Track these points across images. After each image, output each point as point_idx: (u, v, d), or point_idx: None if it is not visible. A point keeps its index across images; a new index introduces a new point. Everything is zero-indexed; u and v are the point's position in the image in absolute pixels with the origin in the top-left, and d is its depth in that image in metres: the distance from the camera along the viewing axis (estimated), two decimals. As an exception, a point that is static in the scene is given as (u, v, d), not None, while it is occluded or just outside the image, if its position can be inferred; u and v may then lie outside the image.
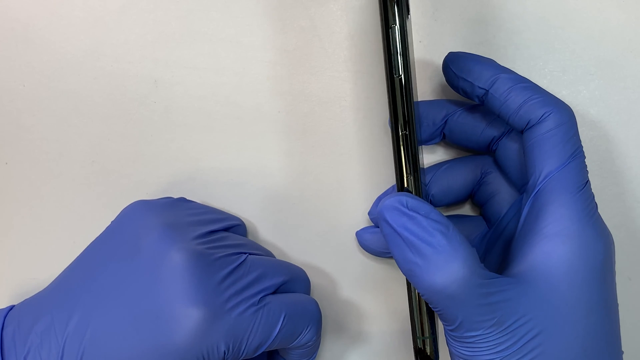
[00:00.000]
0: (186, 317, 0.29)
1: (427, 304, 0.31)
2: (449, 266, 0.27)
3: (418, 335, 0.31)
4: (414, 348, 0.32)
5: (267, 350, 0.32)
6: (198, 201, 0.37)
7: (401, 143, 0.29)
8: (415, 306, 0.31)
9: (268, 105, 0.37)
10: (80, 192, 0.38)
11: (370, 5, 0.36)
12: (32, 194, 0.38)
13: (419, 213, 0.28)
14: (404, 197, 0.28)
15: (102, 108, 0.38)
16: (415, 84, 0.34)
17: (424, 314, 0.31)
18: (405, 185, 0.30)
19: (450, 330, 0.29)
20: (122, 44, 0.37)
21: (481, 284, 0.27)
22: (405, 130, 0.29)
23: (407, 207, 0.28)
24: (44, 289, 0.32)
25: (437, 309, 0.28)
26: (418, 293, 0.31)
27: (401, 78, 0.29)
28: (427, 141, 0.35)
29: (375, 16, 0.36)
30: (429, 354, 0.31)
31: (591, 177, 0.30)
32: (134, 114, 0.37)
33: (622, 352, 0.30)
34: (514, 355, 0.28)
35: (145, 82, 0.37)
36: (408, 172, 0.30)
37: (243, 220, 0.37)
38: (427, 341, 0.31)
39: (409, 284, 0.31)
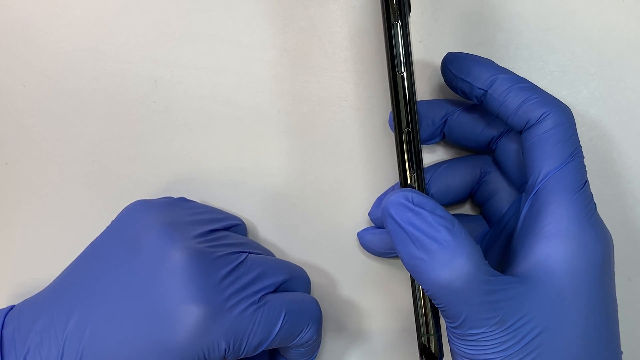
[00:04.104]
0: (186, 314, 0.29)
1: (431, 301, 0.31)
2: (454, 262, 0.27)
3: (422, 332, 0.31)
4: (419, 345, 0.32)
5: (268, 348, 0.32)
6: (198, 201, 0.37)
7: (404, 140, 0.30)
8: (420, 303, 0.31)
9: (268, 105, 0.37)
10: (80, 192, 0.38)
11: (370, 5, 0.36)
12: (32, 194, 0.38)
13: (424, 209, 0.28)
14: (409, 193, 0.28)
15: (102, 108, 0.38)
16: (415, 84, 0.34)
17: (429, 311, 0.31)
18: (409, 182, 0.30)
19: (453, 328, 0.29)
20: (122, 44, 0.37)
21: (486, 281, 0.27)
22: (408, 127, 0.29)
23: (413, 203, 0.28)
24: (44, 288, 0.32)
25: (440, 305, 0.28)
26: (422, 290, 0.31)
27: (403, 75, 0.29)
28: (427, 141, 0.35)
29: (376, 16, 0.36)
30: (433, 351, 0.31)
31: (591, 177, 0.30)
32: (134, 114, 0.37)
33: (622, 352, 0.30)
34: (516, 354, 0.28)
35: (145, 82, 0.37)
36: (411, 168, 0.30)
37: (243, 220, 0.37)
38: (432, 339, 0.31)
39: (413, 281, 0.31)
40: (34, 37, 0.37)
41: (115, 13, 0.37)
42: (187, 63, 0.37)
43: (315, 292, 0.38)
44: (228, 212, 0.37)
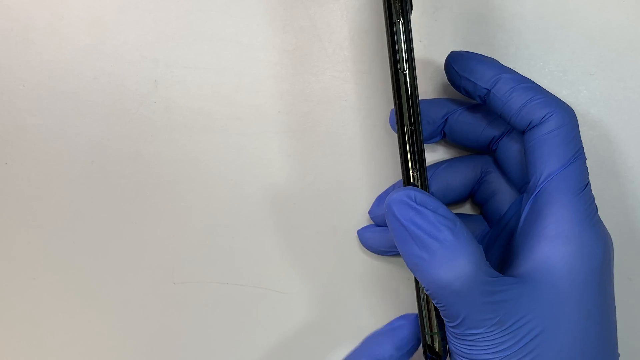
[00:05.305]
0: None
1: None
2: (455, 262, 0.27)
3: (426, 331, 0.31)
4: (422, 344, 0.32)
5: None
6: (198, 200, 0.37)
7: (407, 138, 0.30)
8: (424, 302, 0.31)
9: (268, 105, 0.37)
10: (80, 192, 0.38)
11: (371, 5, 0.36)
12: (32, 194, 0.38)
13: (426, 207, 0.28)
14: (412, 191, 0.28)
15: (102, 108, 0.37)
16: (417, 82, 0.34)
17: (432, 310, 0.31)
18: (412, 181, 0.30)
19: (452, 328, 0.29)
20: (122, 44, 0.37)
21: (486, 282, 0.27)
22: (410, 125, 0.29)
23: (415, 201, 0.28)
24: None
25: (440, 305, 0.28)
26: None
27: (406, 73, 0.29)
28: (427, 140, 0.35)
29: (376, 16, 0.36)
30: (437, 350, 0.31)
31: (591, 177, 0.30)
32: (134, 114, 0.37)
33: (619, 355, 0.30)
34: (514, 355, 0.28)
35: (145, 82, 0.37)
36: (414, 167, 0.30)
37: (243, 220, 0.37)
38: (436, 337, 0.31)
39: (416, 279, 0.31)
40: (34, 37, 0.37)
41: (115, 13, 0.37)
42: (187, 63, 0.37)
43: (316, 292, 0.38)
44: (228, 212, 0.37)
